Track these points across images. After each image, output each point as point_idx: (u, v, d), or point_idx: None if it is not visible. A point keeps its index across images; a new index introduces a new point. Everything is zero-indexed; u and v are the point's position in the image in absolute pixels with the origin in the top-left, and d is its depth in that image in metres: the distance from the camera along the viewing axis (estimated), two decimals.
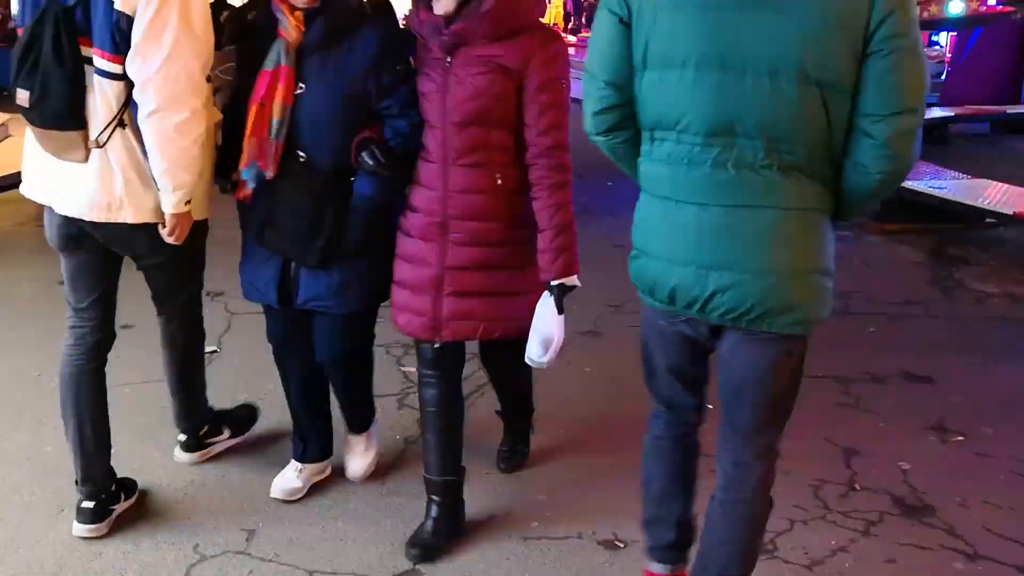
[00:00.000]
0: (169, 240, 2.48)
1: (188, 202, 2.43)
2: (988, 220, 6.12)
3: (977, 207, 5.94)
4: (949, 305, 5.08)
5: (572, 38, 30.48)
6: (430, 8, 2.37)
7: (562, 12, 26.59)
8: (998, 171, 8.57)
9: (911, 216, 6.56)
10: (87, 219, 2.42)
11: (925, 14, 7.59)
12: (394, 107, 2.47)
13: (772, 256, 1.80)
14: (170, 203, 2.41)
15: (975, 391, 3.88)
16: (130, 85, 2.32)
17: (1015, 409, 3.73)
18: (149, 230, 2.47)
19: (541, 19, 2.61)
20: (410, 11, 2.46)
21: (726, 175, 1.77)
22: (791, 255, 1.82)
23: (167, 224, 2.45)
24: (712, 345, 2.01)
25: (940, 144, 9.95)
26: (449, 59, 2.37)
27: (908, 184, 6.44)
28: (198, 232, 2.60)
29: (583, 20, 33.56)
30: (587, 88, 1.96)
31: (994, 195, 6.15)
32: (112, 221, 2.43)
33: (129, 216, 2.43)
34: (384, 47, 2.46)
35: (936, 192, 6.19)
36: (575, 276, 2.43)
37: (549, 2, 23.16)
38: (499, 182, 2.41)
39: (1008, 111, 12.02)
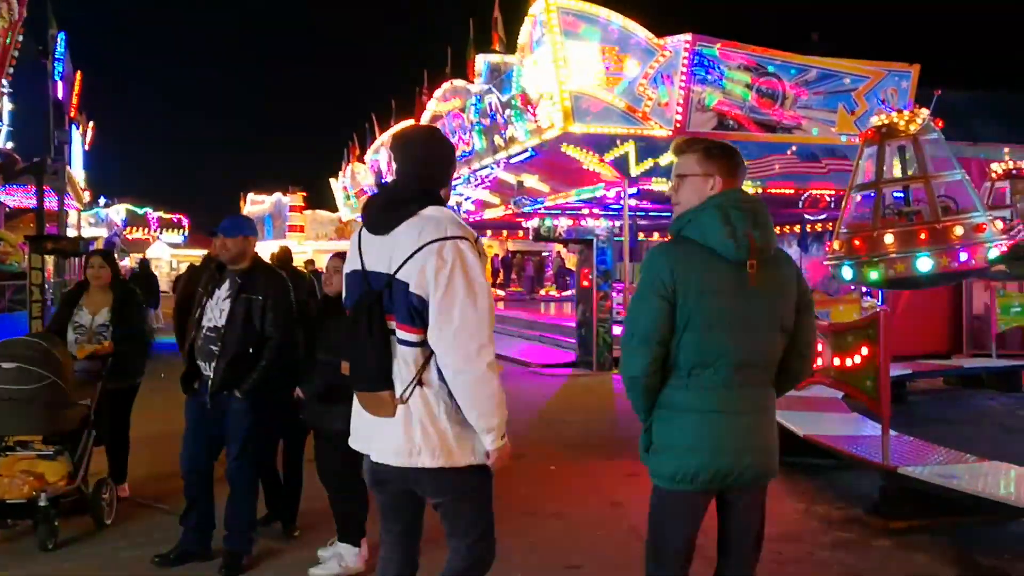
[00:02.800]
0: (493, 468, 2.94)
1: (503, 437, 2.89)
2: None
3: (1008, 504, 4.89)
4: None
5: (501, 292, 30.76)
6: None
7: (490, 268, 26.53)
8: (981, 436, 7.73)
9: (919, 508, 5.52)
10: (392, 464, 2.89)
11: (891, 272, 6.93)
12: None
13: (773, 435, 3.00)
14: (488, 442, 2.86)
15: None
16: (426, 351, 2.82)
17: None
18: (444, 473, 2.86)
19: None
20: None
21: (748, 391, 2.88)
22: (776, 433, 3.02)
23: (490, 459, 2.90)
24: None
25: (899, 403, 9.22)
26: None
27: (914, 473, 5.43)
28: (487, 476, 2.97)
29: (512, 275, 34.06)
30: (639, 348, 2.85)
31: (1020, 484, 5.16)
32: (411, 466, 2.85)
33: (426, 461, 2.83)
34: None
35: (952, 485, 5.15)
36: None
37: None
38: None
39: (965, 365, 11.53)
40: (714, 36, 14.47)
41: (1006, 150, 12.90)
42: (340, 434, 3.34)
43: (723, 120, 14.69)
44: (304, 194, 44.03)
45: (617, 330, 14.85)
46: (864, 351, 5.71)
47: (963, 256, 6.76)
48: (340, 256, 4.73)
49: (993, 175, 10.39)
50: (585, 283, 15.12)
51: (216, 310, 4.89)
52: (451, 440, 2.84)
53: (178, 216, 47.81)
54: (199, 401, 4.91)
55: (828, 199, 15.10)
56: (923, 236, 6.91)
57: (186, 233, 47.77)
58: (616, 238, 15.29)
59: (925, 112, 7.29)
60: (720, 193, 2.87)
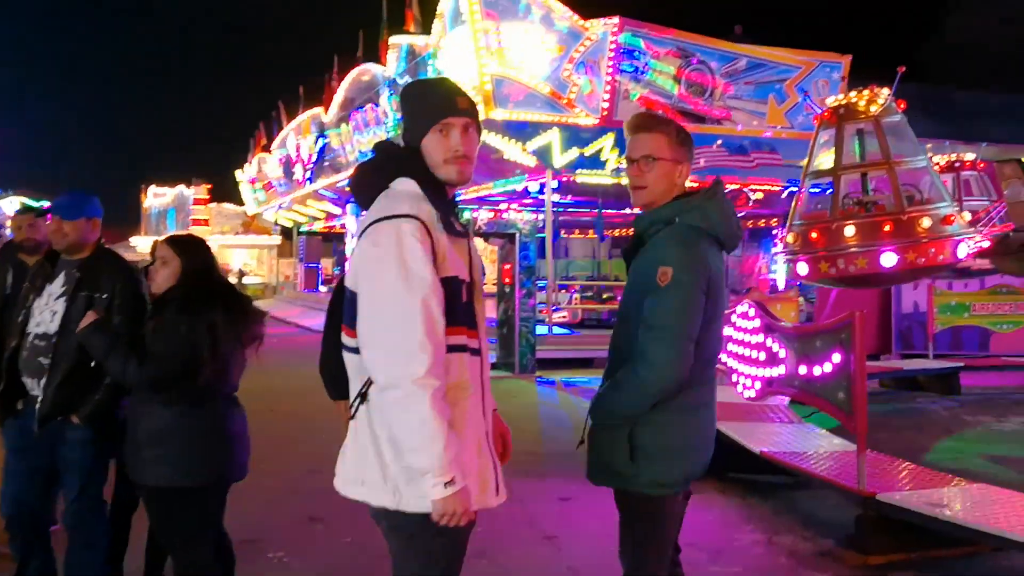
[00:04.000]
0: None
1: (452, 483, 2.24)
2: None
3: (997, 536, 4.17)
4: None
5: None
6: None
7: None
8: (935, 445, 7.19)
9: (899, 539, 4.78)
10: (340, 492, 2.44)
11: (852, 268, 6.20)
12: None
13: None
14: (427, 488, 2.24)
15: None
16: None
17: None
18: (390, 516, 2.34)
19: None
20: None
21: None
22: None
23: (435, 513, 2.24)
24: None
25: None
26: None
27: (897, 501, 4.69)
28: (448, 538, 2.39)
29: None
30: (686, 350, 2.62)
31: (1007, 514, 4.45)
32: (353, 497, 2.40)
33: (367, 496, 2.35)
34: None
35: (947, 517, 4.41)
36: None
37: None
38: None
39: (905, 367, 11.04)
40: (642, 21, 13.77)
41: (928, 146, 12.53)
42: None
43: (649, 112, 13.99)
44: (209, 186, 42.16)
45: (542, 329, 14.01)
46: (836, 358, 4.94)
47: (931, 250, 6.08)
48: (172, 243, 3.60)
49: (936, 168, 9.87)
50: (507, 280, 14.21)
51: (47, 312, 3.80)
52: (397, 477, 2.29)
53: None
54: (23, 426, 3.81)
55: (748, 196, 14.54)
56: (887, 228, 6.21)
57: None
58: (539, 234, 14.44)
59: (886, 92, 6.61)
60: (715, 183, 2.80)
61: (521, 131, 13.48)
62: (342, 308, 2.46)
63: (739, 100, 14.49)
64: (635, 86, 13.99)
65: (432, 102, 2.44)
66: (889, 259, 6.12)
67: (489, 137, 13.72)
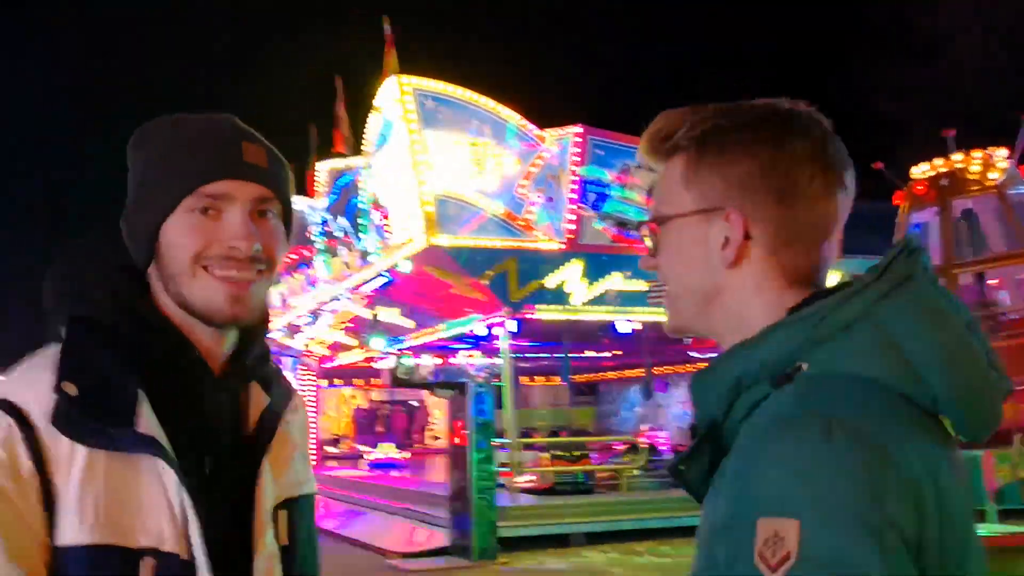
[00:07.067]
0: None
1: None
2: None
3: None
4: None
5: (369, 449, 26.94)
6: None
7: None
8: None
9: None
10: None
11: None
12: None
13: None
14: None
15: None
16: None
17: None
18: None
19: None
20: None
21: None
22: None
23: None
24: None
25: None
26: None
27: None
28: None
29: (377, 429, 30.21)
30: None
31: None
32: None
33: None
34: None
35: None
36: None
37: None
38: None
39: None
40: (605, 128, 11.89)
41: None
42: None
43: (623, 222, 11.89)
44: None
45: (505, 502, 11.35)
46: None
47: None
48: None
49: None
50: (458, 440, 11.55)
51: None
52: None
53: None
54: None
55: None
56: None
57: None
58: (496, 382, 11.99)
59: (1002, 153, 4.47)
60: (910, 248, 0.98)
61: (472, 261, 11.31)
62: None
63: None
64: (599, 215, 12.02)
65: (187, 151, 1.21)
66: None
67: (434, 272, 11.50)
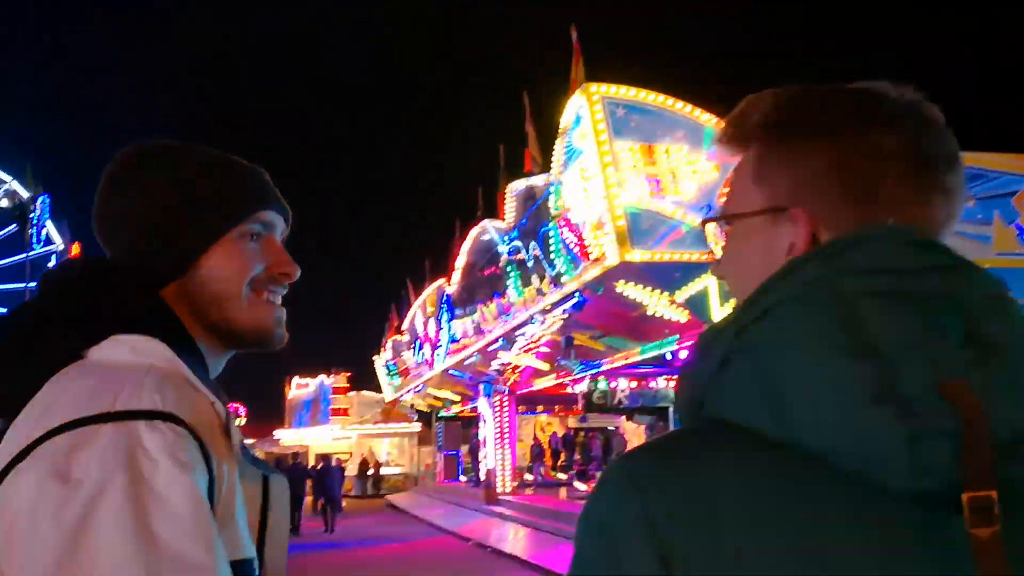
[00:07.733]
0: None
1: None
2: None
3: None
4: None
5: (563, 475, 26.65)
6: None
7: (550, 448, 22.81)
8: None
9: None
10: None
11: None
12: None
13: None
14: None
15: None
16: None
17: None
18: None
19: None
20: None
21: None
22: None
23: None
24: None
25: None
26: None
27: None
28: None
29: (575, 457, 29.80)
30: None
31: None
32: None
33: None
34: None
35: None
36: None
37: None
38: None
39: None
40: None
41: None
42: None
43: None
44: (348, 374, 41.55)
45: None
46: None
47: None
48: None
49: None
50: None
51: None
52: None
53: (234, 406, 45.83)
54: None
55: None
56: None
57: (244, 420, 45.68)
58: None
59: None
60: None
61: (666, 278, 10.63)
62: None
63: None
64: None
65: (233, 178, 1.26)
66: None
67: (626, 288, 10.89)
